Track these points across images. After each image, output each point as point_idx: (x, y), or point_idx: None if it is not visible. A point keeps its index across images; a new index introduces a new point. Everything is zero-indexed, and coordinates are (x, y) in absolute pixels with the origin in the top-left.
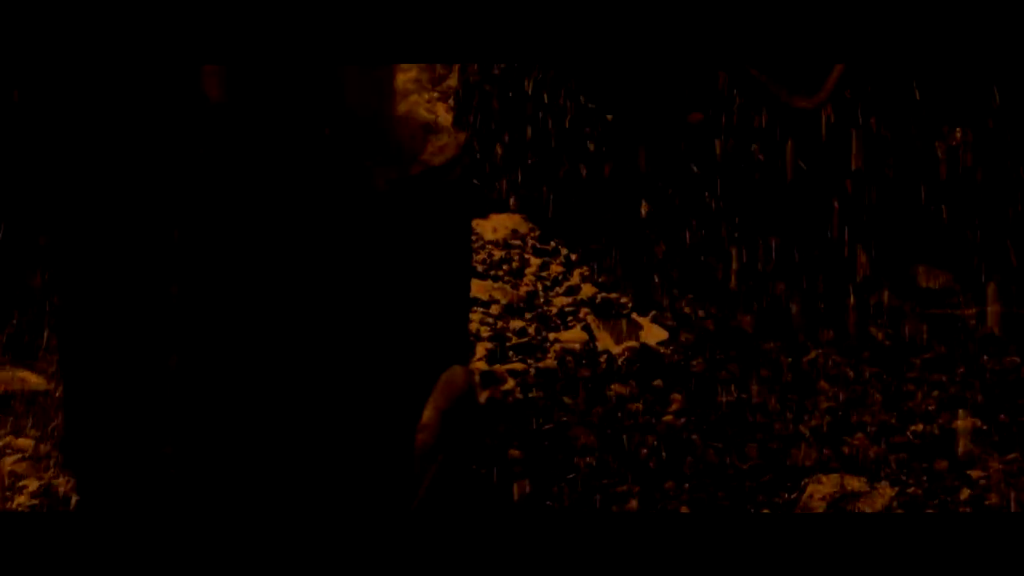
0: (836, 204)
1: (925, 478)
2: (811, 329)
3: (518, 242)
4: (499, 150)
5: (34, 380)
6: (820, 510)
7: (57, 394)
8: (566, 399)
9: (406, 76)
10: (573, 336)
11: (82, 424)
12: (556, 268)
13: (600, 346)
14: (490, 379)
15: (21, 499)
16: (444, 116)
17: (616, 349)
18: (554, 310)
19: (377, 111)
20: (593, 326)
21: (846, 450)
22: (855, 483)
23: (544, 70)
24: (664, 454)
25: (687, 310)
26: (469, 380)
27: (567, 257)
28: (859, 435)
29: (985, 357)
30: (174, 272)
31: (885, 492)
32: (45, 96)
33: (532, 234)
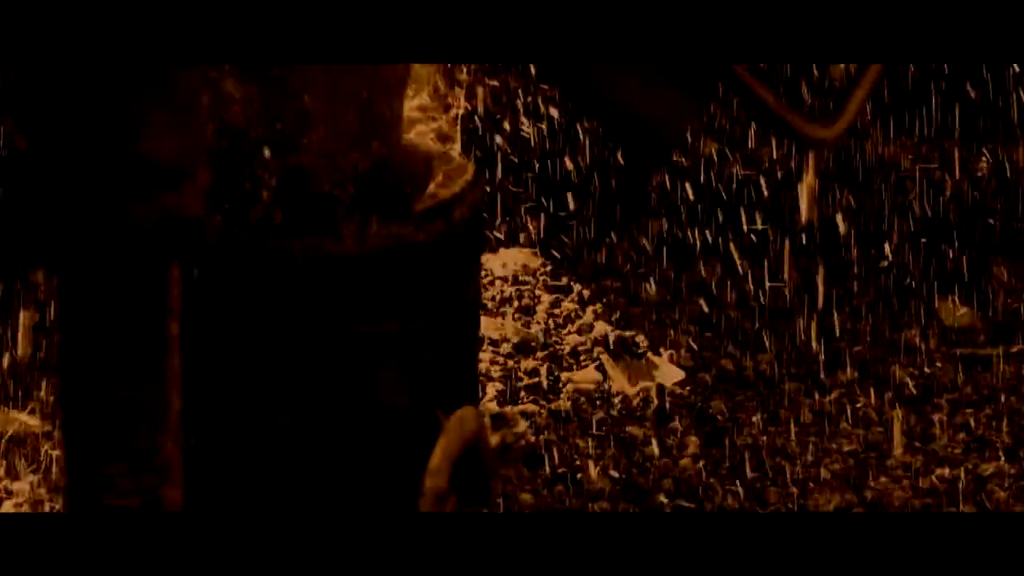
0: (856, 240)
1: None
2: (832, 369)
3: (529, 278)
4: (510, 182)
5: (28, 420)
6: None
7: (53, 434)
8: (579, 442)
9: (412, 104)
10: (586, 376)
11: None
12: (568, 305)
13: (614, 387)
14: (501, 421)
15: None
16: (452, 146)
17: (631, 390)
18: (566, 349)
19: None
20: (607, 366)
21: (869, 495)
22: None
23: (561, 106)
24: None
25: (704, 349)
26: (480, 422)
27: (580, 294)
28: (883, 478)
29: (1013, 398)
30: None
31: None
32: None
33: (543, 270)
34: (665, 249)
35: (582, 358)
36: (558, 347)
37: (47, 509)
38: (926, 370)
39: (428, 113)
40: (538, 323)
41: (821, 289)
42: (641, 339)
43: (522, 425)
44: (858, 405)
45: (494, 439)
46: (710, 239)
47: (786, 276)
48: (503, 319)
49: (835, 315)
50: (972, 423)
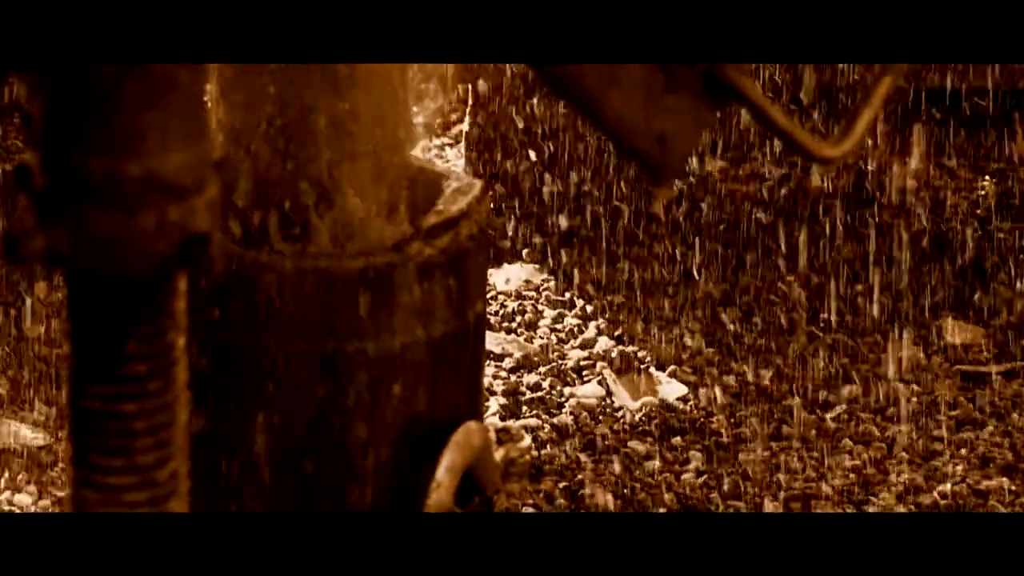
0: (860, 256)
1: None
2: (835, 385)
3: (532, 293)
4: (513, 197)
5: (30, 434)
6: None
7: (55, 448)
8: (582, 456)
9: (417, 120)
10: (589, 391)
11: None
12: (571, 320)
13: (617, 402)
14: (505, 436)
15: None
16: (457, 163)
17: (633, 405)
18: (569, 364)
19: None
20: (610, 381)
21: (871, 510)
22: None
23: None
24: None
25: (707, 365)
26: (484, 437)
27: (583, 309)
28: (884, 495)
29: (1015, 415)
30: None
31: None
32: None
33: (546, 285)
34: (669, 265)
35: (585, 373)
36: (561, 362)
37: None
38: (928, 387)
39: (434, 129)
40: (541, 338)
41: (825, 304)
42: (644, 355)
43: (526, 440)
44: (860, 422)
45: (499, 454)
46: (714, 255)
47: (789, 292)
48: (506, 334)
49: (838, 330)
50: (973, 441)
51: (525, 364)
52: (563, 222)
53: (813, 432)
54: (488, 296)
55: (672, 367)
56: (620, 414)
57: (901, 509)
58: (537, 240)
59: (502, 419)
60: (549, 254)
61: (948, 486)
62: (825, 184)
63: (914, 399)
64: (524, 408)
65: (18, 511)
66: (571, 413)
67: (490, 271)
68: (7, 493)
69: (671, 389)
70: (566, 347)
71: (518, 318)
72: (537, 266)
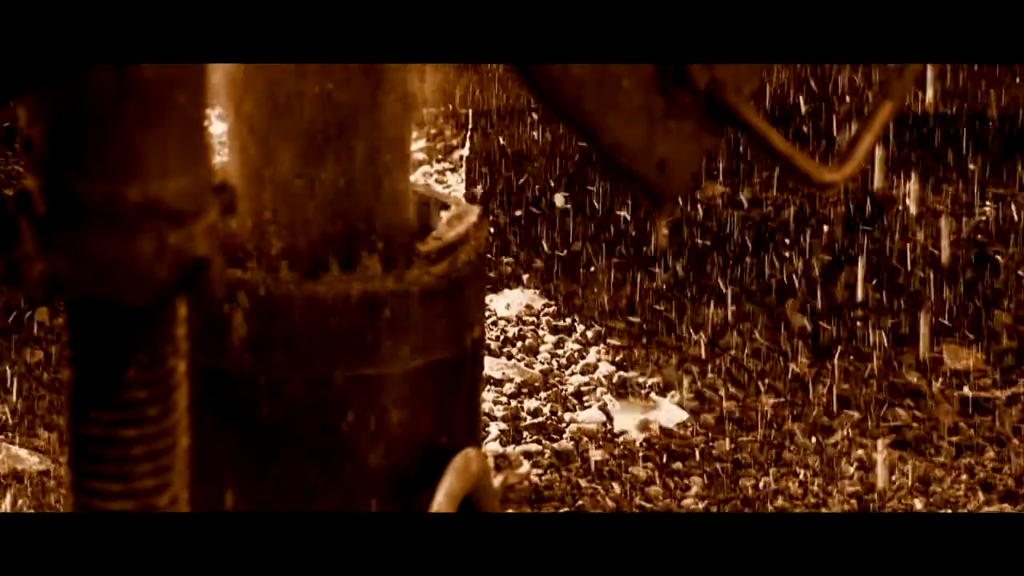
0: (861, 281)
1: None
2: (835, 411)
3: (532, 318)
4: (513, 223)
5: (31, 458)
6: None
7: (55, 472)
8: (582, 482)
9: (415, 147)
10: (590, 417)
11: None
12: (572, 346)
13: (617, 427)
14: (503, 462)
15: None
16: (455, 188)
17: (634, 430)
18: (570, 389)
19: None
20: (610, 406)
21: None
22: None
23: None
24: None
25: (708, 391)
26: (483, 463)
27: (583, 334)
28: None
29: (1016, 441)
30: None
31: None
32: None
33: (547, 310)
34: (669, 291)
35: (585, 399)
36: (561, 387)
37: None
38: (929, 413)
39: (433, 155)
40: (542, 363)
41: (824, 329)
42: (644, 380)
43: (525, 466)
44: (861, 448)
45: (497, 480)
46: (713, 280)
47: (789, 317)
48: (507, 359)
49: (839, 356)
50: (974, 466)
51: (525, 389)
52: (564, 247)
53: (814, 458)
54: (489, 321)
55: (673, 392)
56: (621, 439)
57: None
58: (538, 265)
59: (502, 444)
60: (550, 279)
61: (949, 511)
62: (826, 210)
63: (915, 424)
64: (524, 433)
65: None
66: (571, 438)
67: (491, 296)
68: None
69: (672, 414)
70: (566, 372)
71: (518, 343)
72: (537, 291)
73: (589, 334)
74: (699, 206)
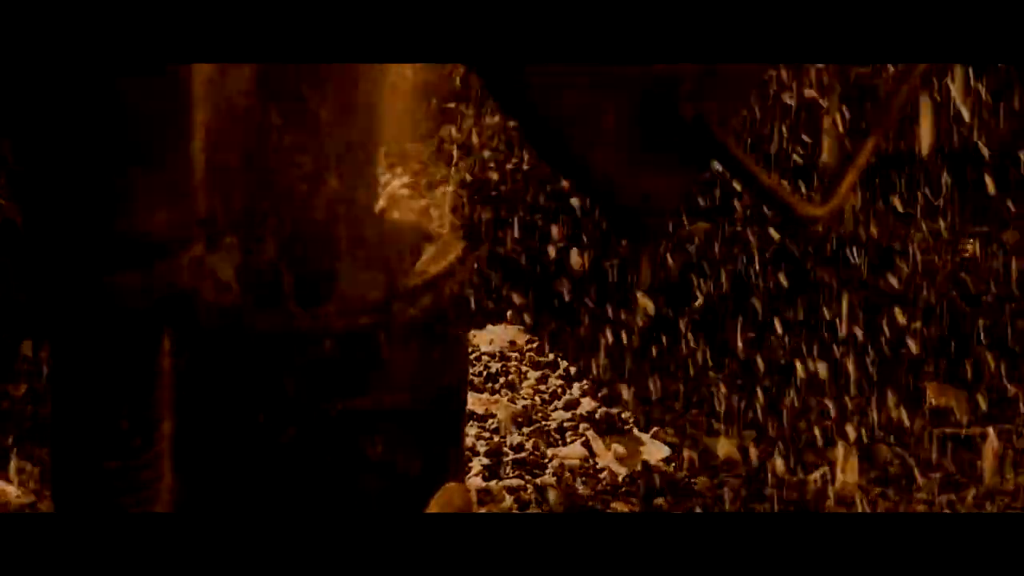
0: (843, 317)
1: None
2: (818, 447)
3: (515, 354)
4: (497, 259)
5: (12, 492)
6: None
7: (39, 506)
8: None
9: (400, 181)
10: (572, 452)
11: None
12: (555, 381)
13: (600, 463)
14: (487, 497)
15: None
16: (440, 223)
17: (617, 466)
18: (553, 425)
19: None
20: (593, 442)
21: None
22: None
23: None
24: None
25: (690, 427)
26: (465, 498)
27: (566, 370)
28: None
29: (998, 479)
30: None
31: None
32: None
33: (530, 346)
34: (653, 326)
35: (568, 434)
36: (544, 423)
37: None
38: (911, 449)
39: (416, 189)
40: (525, 399)
41: (808, 367)
42: (627, 416)
43: (506, 501)
44: (843, 484)
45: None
46: (697, 317)
47: (772, 354)
48: (490, 394)
49: (822, 393)
50: (956, 504)
51: (508, 425)
52: (547, 283)
53: (795, 494)
54: (472, 356)
55: (655, 428)
56: (603, 475)
57: None
58: (521, 301)
59: (485, 479)
60: (534, 315)
61: (948, 512)
62: (807, 245)
63: (897, 461)
64: (507, 468)
65: None
66: (554, 474)
67: (474, 332)
68: None
69: (655, 450)
70: (549, 408)
71: (501, 379)
72: (521, 327)
73: (572, 370)
74: (682, 241)
